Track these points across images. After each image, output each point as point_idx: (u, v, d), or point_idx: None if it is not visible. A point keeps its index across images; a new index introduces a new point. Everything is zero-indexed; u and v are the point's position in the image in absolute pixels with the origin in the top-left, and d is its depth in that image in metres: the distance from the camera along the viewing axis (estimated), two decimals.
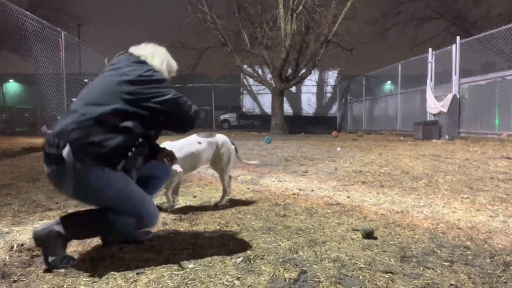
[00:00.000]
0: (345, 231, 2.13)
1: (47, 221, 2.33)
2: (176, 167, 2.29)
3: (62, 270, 1.57)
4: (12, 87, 18.20)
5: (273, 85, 16.53)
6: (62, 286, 1.45)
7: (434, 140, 9.75)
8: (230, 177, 2.99)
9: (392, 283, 1.45)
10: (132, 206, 1.72)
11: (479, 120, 9.50)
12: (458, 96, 10.12)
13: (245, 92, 22.79)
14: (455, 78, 10.19)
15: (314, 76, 21.16)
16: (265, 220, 2.37)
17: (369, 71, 16.90)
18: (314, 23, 15.27)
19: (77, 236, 1.74)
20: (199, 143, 2.67)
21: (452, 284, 1.45)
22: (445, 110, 10.19)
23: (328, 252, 1.80)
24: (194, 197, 3.12)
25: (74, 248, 1.87)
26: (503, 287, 1.43)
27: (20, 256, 1.75)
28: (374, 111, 16.45)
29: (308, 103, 22.88)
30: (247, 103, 22.99)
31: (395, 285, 1.44)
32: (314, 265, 1.63)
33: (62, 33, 8.72)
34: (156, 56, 1.84)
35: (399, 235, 2.07)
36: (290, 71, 16.53)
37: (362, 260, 1.69)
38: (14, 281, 1.49)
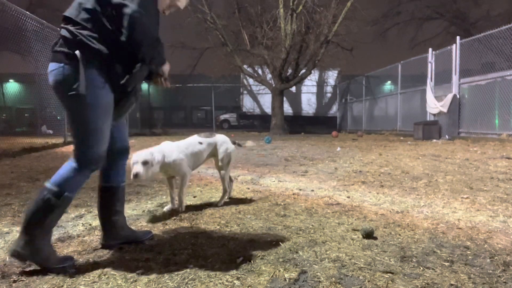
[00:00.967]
0: (345, 231, 2.13)
1: None
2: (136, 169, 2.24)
3: (62, 271, 1.57)
4: (12, 87, 18.24)
5: (273, 85, 16.53)
6: (62, 286, 1.45)
7: (434, 140, 9.75)
8: (231, 180, 3.00)
9: (392, 283, 1.45)
10: (88, 136, 1.64)
11: (479, 120, 9.49)
12: (458, 96, 10.12)
13: (245, 92, 22.78)
14: (455, 78, 10.19)
15: (314, 76, 21.15)
16: (265, 220, 2.37)
17: (369, 71, 16.90)
18: (314, 23, 15.27)
19: (31, 218, 1.57)
20: (200, 143, 2.72)
21: (452, 284, 1.45)
22: (445, 110, 10.19)
23: (328, 252, 1.80)
24: (194, 197, 3.12)
25: (74, 248, 1.87)
26: (503, 287, 1.43)
27: None
28: (374, 111, 16.44)
29: (308, 103, 22.88)
30: (247, 103, 22.98)
31: (395, 285, 1.44)
32: (314, 265, 1.63)
33: None
34: None
35: (399, 235, 2.07)
36: (290, 71, 16.53)
37: (362, 260, 1.69)
38: (14, 281, 1.49)
